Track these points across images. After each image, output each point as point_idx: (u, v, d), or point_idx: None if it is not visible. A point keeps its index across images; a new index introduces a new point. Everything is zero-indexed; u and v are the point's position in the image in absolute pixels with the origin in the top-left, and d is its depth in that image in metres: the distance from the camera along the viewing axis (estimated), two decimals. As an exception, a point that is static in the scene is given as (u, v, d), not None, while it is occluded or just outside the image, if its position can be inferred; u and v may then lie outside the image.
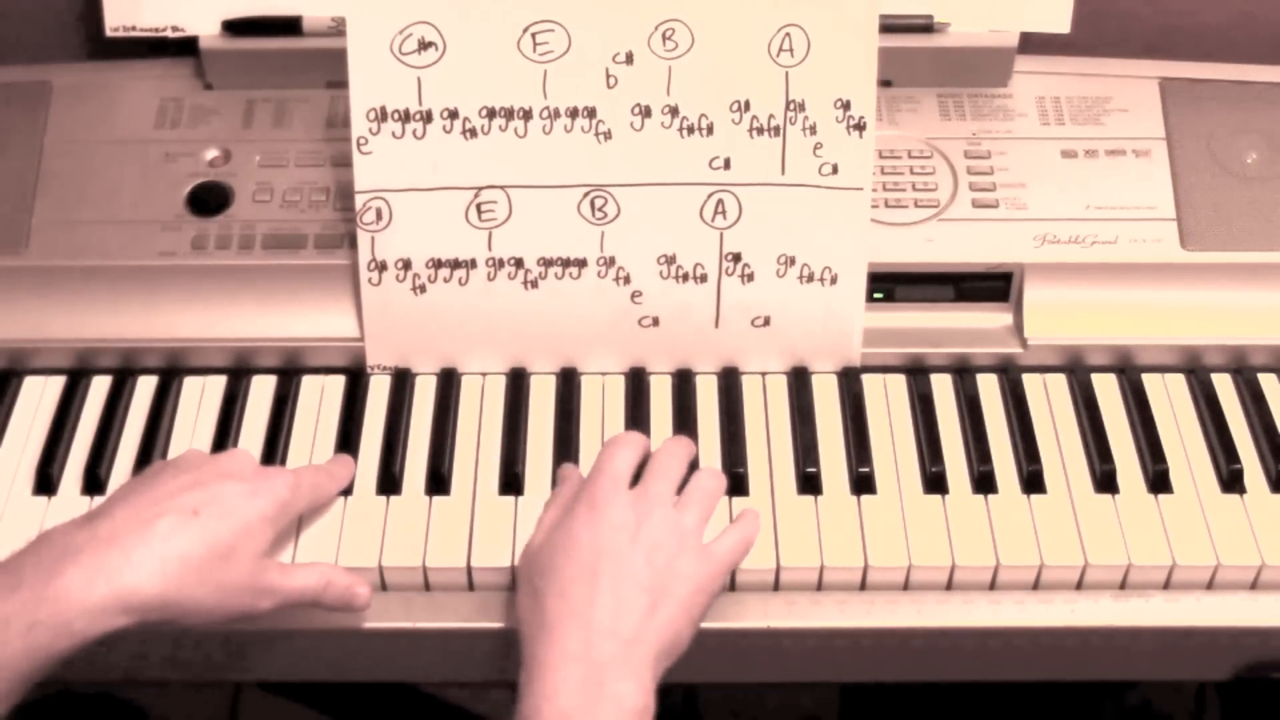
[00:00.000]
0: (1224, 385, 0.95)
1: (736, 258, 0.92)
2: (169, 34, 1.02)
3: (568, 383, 0.94)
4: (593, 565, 0.77)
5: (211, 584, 0.75)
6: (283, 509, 0.80)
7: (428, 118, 0.89)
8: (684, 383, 0.94)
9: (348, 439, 0.91)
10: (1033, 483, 0.89)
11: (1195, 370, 0.96)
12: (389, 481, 0.89)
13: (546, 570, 0.78)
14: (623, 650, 0.74)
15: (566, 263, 0.92)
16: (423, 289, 0.92)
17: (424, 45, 0.88)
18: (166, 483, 0.78)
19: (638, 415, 0.92)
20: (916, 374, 0.95)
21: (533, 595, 0.78)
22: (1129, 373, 0.95)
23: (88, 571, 0.71)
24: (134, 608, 0.72)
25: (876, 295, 0.95)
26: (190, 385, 0.95)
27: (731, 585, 0.85)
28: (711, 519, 0.83)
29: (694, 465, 0.88)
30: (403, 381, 0.94)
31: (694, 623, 0.79)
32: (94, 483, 0.89)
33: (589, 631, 0.75)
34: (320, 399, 0.94)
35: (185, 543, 0.74)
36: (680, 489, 0.84)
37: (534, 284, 0.92)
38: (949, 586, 0.86)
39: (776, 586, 0.86)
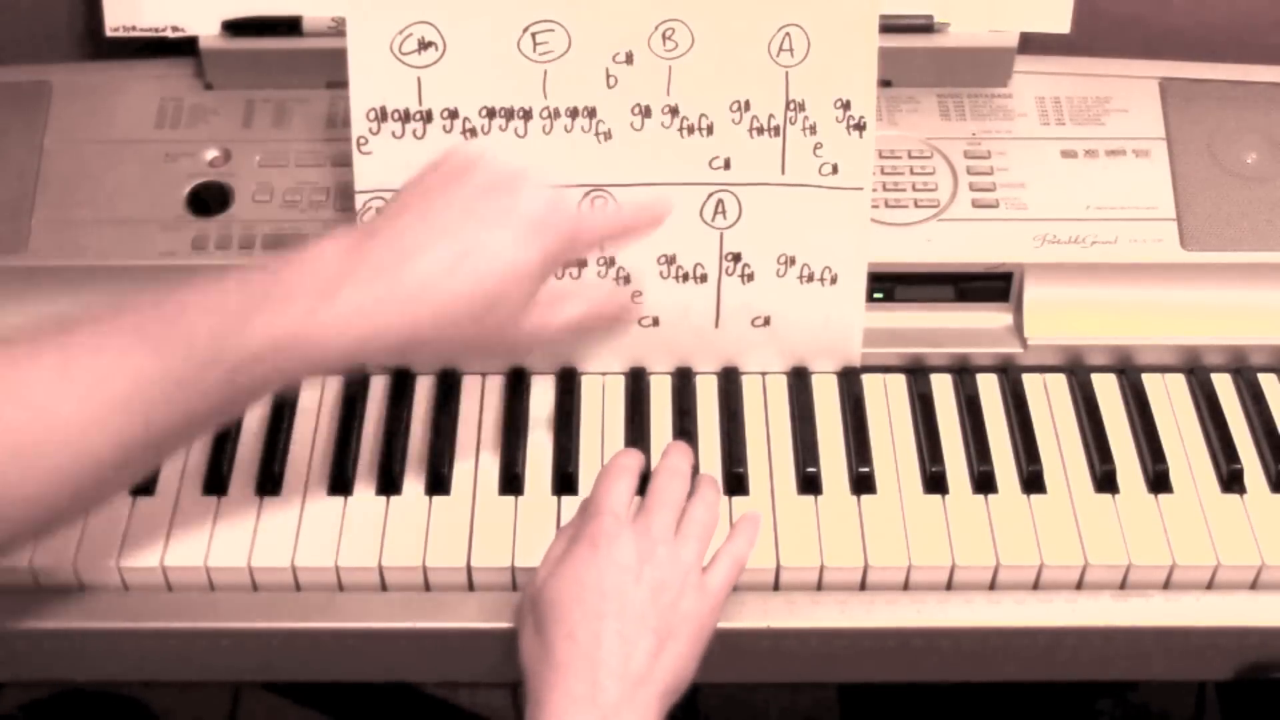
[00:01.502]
0: (1224, 385, 0.95)
1: (736, 258, 0.92)
2: (169, 34, 1.02)
3: (567, 382, 0.94)
4: (598, 607, 0.76)
5: (473, 330, 0.75)
6: (556, 256, 0.77)
7: (428, 118, 0.89)
8: (684, 383, 0.94)
9: (347, 439, 0.91)
10: (1033, 483, 0.89)
11: (1195, 370, 0.96)
12: (389, 481, 0.89)
13: (551, 610, 0.77)
14: (629, 692, 0.74)
15: (566, 263, 0.92)
16: (423, 289, 0.92)
17: (424, 45, 0.88)
18: (440, 211, 0.75)
19: (637, 415, 0.92)
20: (916, 374, 0.95)
21: (538, 635, 0.78)
22: (1129, 373, 0.95)
23: (355, 302, 0.71)
24: (391, 347, 0.74)
25: (876, 295, 0.95)
26: (190, 385, 0.95)
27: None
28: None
29: (695, 469, 0.88)
30: (403, 381, 0.94)
31: (697, 658, 0.79)
32: (94, 483, 0.89)
33: (596, 674, 0.74)
34: (320, 399, 0.94)
35: (450, 285, 0.73)
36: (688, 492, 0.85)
37: (534, 284, 0.92)
38: (949, 586, 0.86)
39: (776, 586, 0.86)
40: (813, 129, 0.89)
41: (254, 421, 0.92)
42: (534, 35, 0.88)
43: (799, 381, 0.94)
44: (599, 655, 0.75)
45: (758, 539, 0.85)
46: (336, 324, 0.71)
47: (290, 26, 1.01)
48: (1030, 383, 0.95)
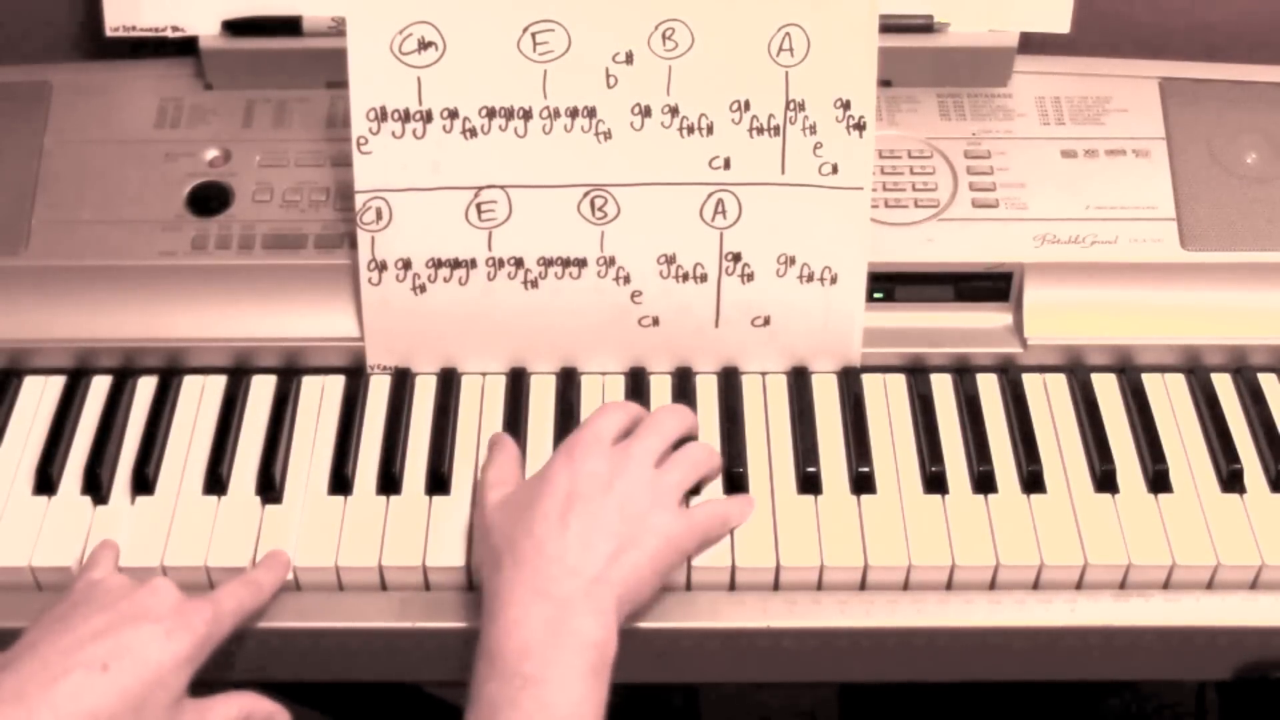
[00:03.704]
0: (1224, 385, 0.95)
1: (736, 257, 0.92)
2: (169, 34, 1.02)
3: (568, 382, 0.94)
4: (564, 508, 0.78)
5: None
6: (200, 646, 0.76)
7: (428, 117, 0.89)
8: (684, 382, 0.94)
9: (347, 439, 0.91)
10: (1033, 482, 0.89)
11: (1195, 370, 0.96)
12: (389, 481, 0.89)
13: (516, 512, 0.79)
14: (585, 588, 0.76)
15: (566, 262, 0.92)
16: (423, 289, 0.92)
17: (424, 45, 0.88)
18: (78, 627, 0.74)
19: (638, 415, 0.92)
20: (916, 374, 0.95)
21: (496, 536, 0.79)
22: (1129, 373, 0.95)
23: None
24: None
25: (876, 295, 0.95)
26: (190, 385, 0.95)
27: (731, 585, 0.85)
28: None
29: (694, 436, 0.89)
30: (403, 381, 0.94)
31: (659, 575, 0.80)
32: (94, 483, 0.89)
33: (553, 569, 0.76)
34: (320, 399, 0.94)
35: (93, 701, 0.71)
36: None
37: (534, 284, 0.92)
38: (949, 586, 0.86)
39: (776, 586, 0.86)
40: (813, 129, 0.89)
41: (254, 422, 0.93)
42: (534, 35, 0.88)
43: (799, 381, 0.94)
44: (557, 551, 0.76)
45: (758, 538, 0.85)
46: None
47: (290, 26, 1.01)
48: (1030, 383, 0.95)
